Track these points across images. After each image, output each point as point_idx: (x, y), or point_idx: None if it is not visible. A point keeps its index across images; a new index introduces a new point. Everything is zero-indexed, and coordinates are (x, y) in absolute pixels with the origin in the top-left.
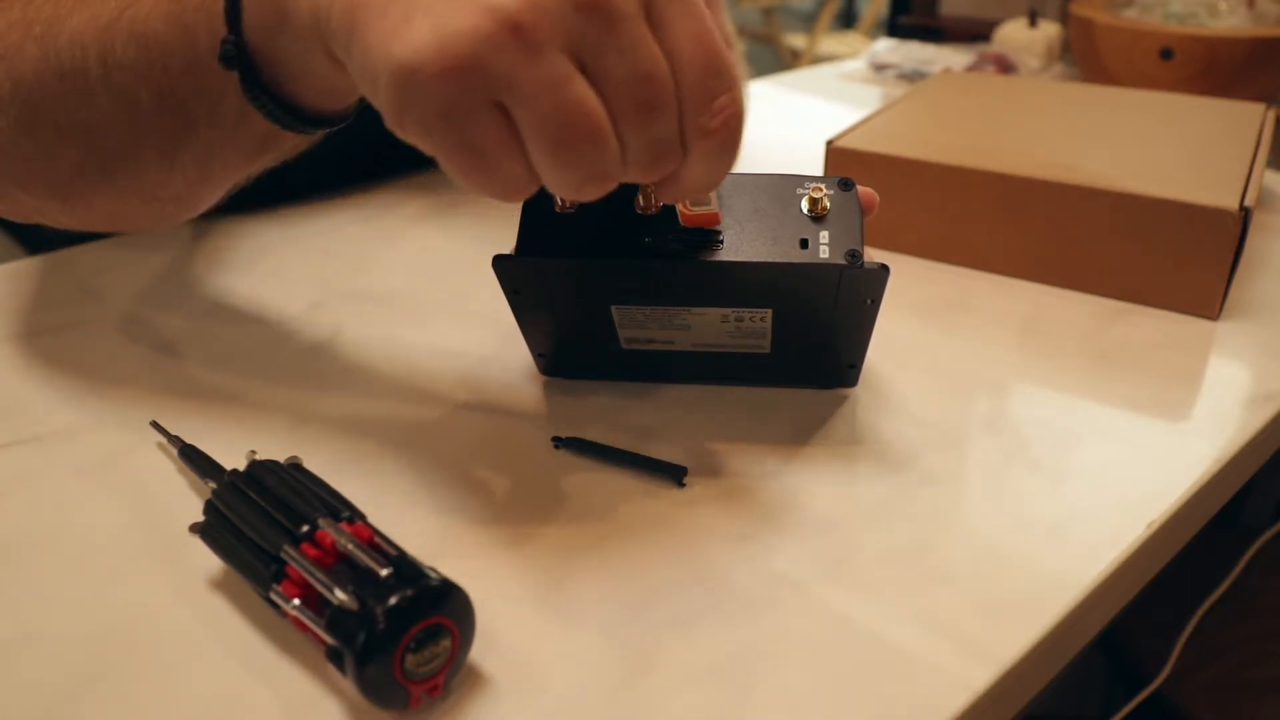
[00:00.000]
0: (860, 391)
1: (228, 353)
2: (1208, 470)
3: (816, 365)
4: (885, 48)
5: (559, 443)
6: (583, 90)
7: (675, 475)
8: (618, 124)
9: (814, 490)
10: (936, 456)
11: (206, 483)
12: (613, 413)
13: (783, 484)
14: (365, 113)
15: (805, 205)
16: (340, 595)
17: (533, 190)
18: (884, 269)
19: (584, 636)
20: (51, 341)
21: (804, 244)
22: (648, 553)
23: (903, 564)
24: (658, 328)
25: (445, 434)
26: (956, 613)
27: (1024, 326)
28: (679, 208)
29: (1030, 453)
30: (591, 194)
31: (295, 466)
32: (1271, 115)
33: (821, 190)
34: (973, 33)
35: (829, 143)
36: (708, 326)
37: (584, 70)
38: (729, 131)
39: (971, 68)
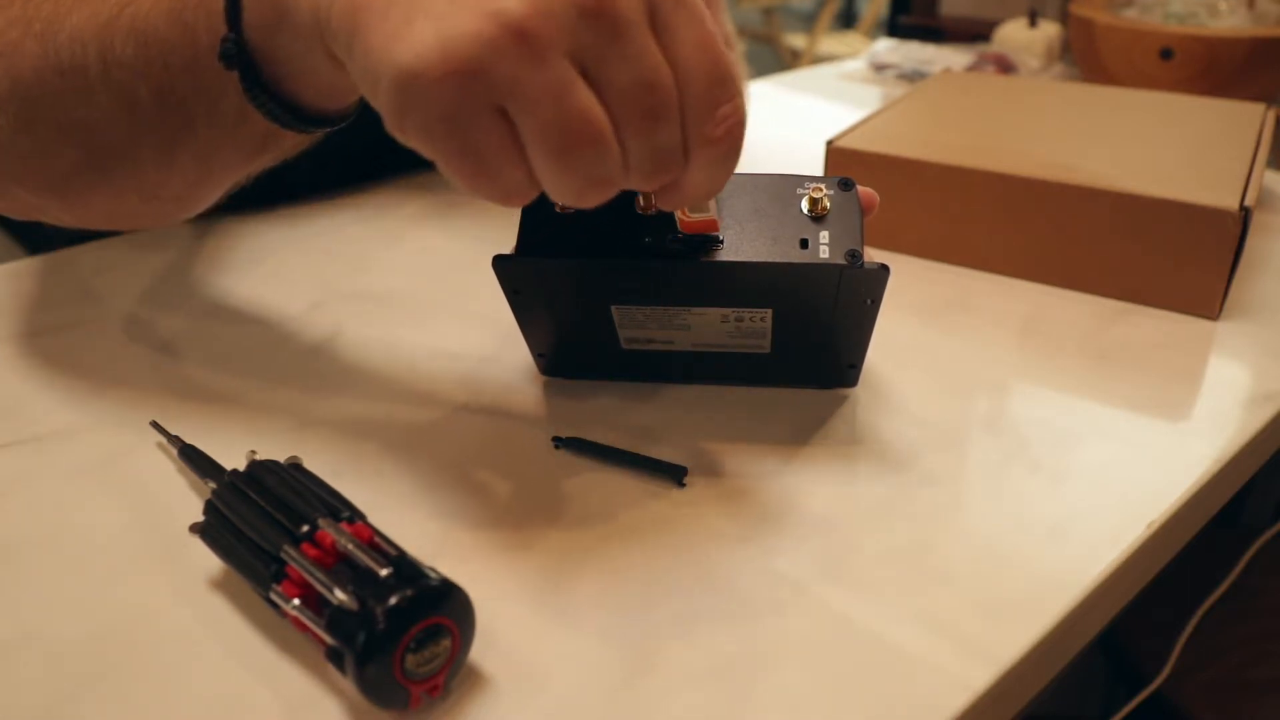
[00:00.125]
0: (860, 391)
1: (227, 353)
2: (1208, 470)
3: (816, 365)
4: (885, 48)
5: (559, 443)
6: (585, 97)
7: (675, 475)
8: (620, 131)
9: (814, 490)
10: (936, 456)
11: (206, 483)
12: (613, 413)
13: (783, 484)
14: (365, 112)
15: (805, 205)
16: (340, 595)
17: (533, 196)
18: (884, 269)
19: (584, 636)
20: (52, 341)
21: (804, 244)
22: (648, 553)
23: (903, 564)
24: (658, 328)
25: (445, 434)
26: (956, 613)
27: (1024, 326)
28: (678, 215)
29: (1030, 453)
30: (592, 201)
31: (295, 466)
32: (1271, 115)
33: (821, 190)
34: (973, 33)
35: (829, 143)
36: (708, 326)
37: (587, 76)
38: (731, 140)
39: (971, 68)
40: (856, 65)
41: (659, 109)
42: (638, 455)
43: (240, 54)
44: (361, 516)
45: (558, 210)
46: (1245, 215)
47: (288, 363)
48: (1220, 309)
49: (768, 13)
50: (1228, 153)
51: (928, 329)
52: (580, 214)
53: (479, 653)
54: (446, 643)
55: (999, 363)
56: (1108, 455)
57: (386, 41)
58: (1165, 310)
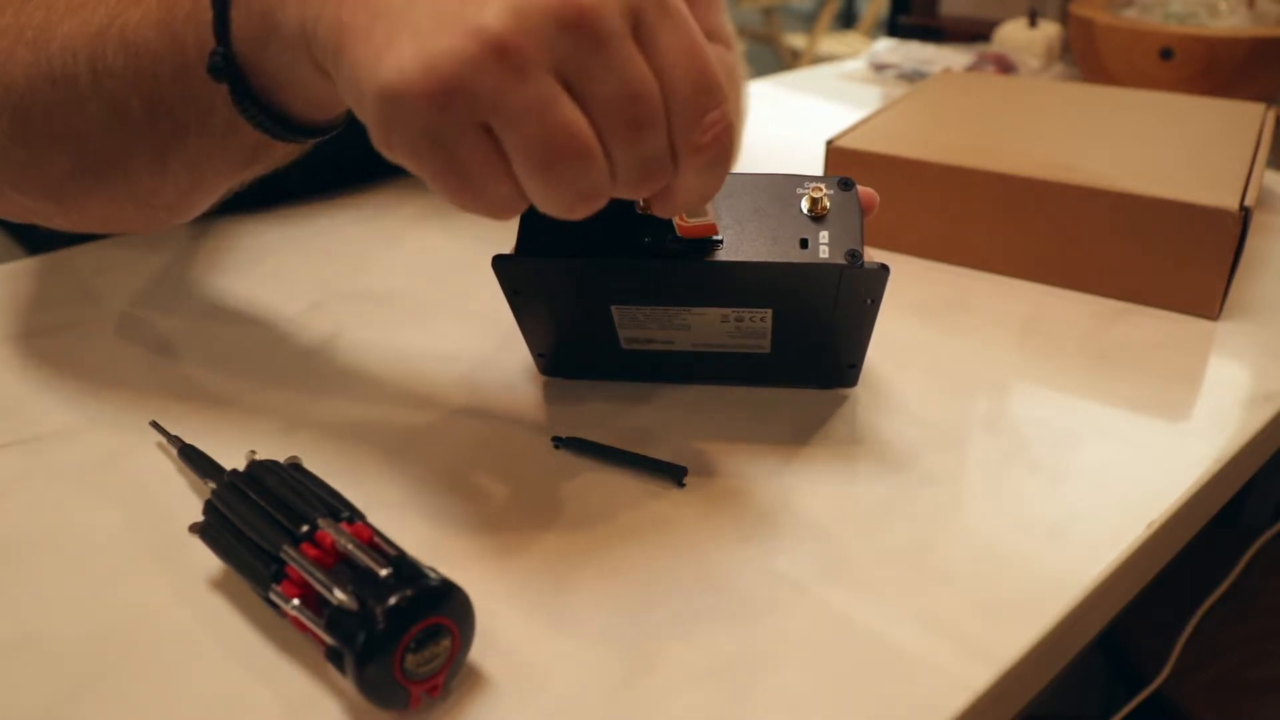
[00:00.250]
0: (860, 391)
1: (227, 353)
2: (1208, 470)
3: (816, 365)
4: (885, 48)
5: (559, 443)
6: (569, 111)
7: (675, 475)
8: (606, 142)
9: (814, 490)
10: (936, 456)
11: (206, 483)
12: (613, 413)
13: (783, 484)
14: (356, 121)
15: (805, 205)
16: (340, 595)
17: (522, 209)
18: (884, 269)
19: (584, 636)
20: (51, 342)
21: (804, 244)
22: (648, 553)
23: (903, 564)
24: (658, 328)
25: (445, 434)
26: (956, 613)
27: (1024, 326)
28: (676, 220)
29: (1030, 453)
30: (581, 213)
31: (295, 466)
32: (1271, 115)
33: (821, 190)
34: (973, 33)
35: (829, 143)
36: (708, 326)
37: (570, 89)
38: (720, 146)
39: (971, 68)
40: (856, 65)
41: (644, 119)
42: (637, 455)
43: (229, 67)
44: (361, 516)
45: None
46: (1245, 215)
47: (287, 363)
48: (1220, 309)
49: (768, 13)
50: (1228, 153)
51: (928, 329)
52: None
53: (479, 653)
54: (446, 643)
55: (999, 363)
56: (1108, 455)
57: (370, 59)
58: (1165, 310)
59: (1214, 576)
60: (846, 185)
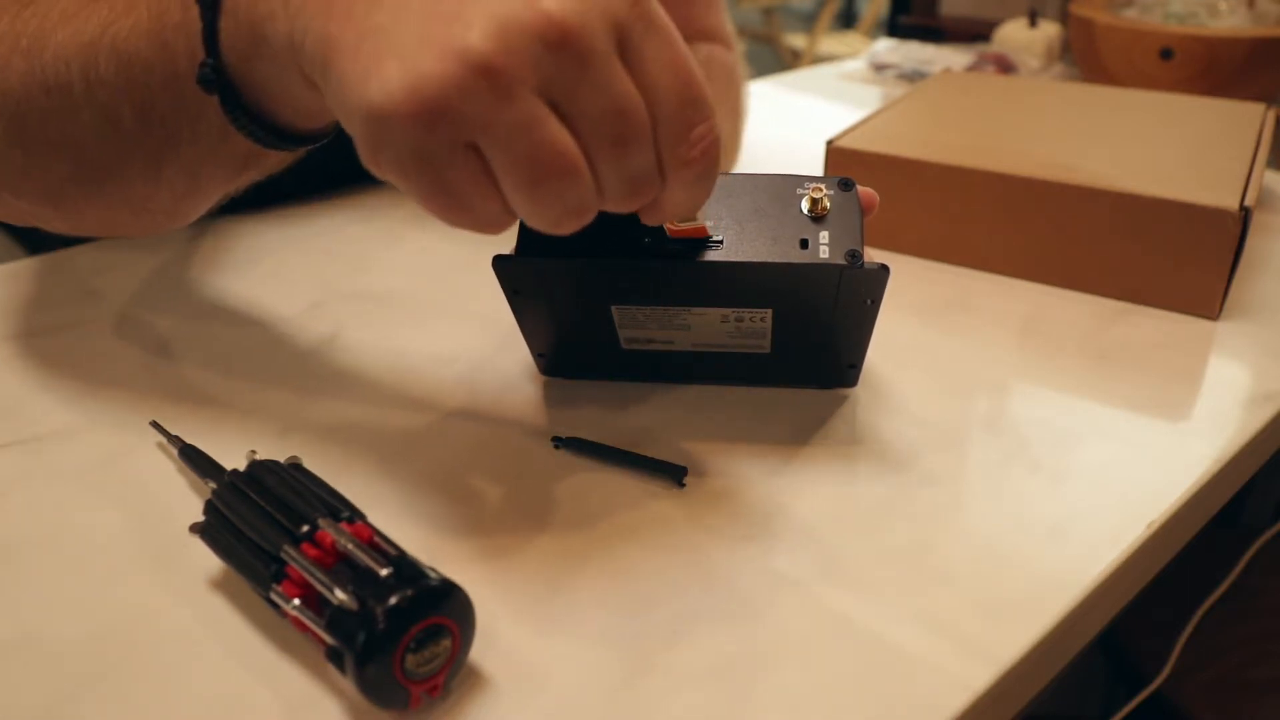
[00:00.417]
0: (860, 391)
1: (227, 353)
2: (1208, 470)
3: (816, 365)
4: (885, 48)
5: (559, 443)
6: (555, 130)
7: (675, 475)
8: (592, 159)
9: (814, 490)
10: (936, 456)
11: (206, 483)
12: (613, 413)
13: (783, 484)
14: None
15: (805, 205)
16: (340, 595)
17: (510, 224)
18: (884, 269)
19: (584, 636)
20: (51, 342)
21: (804, 244)
22: (647, 553)
23: (903, 564)
24: (658, 328)
25: (445, 434)
26: (956, 613)
27: (1024, 326)
28: (665, 225)
29: (1030, 453)
30: (569, 228)
31: (295, 466)
32: (1271, 115)
33: (821, 190)
34: (973, 33)
35: (829, 143)
36: (708, 326)
37: (556, 107)
38: (708, 160)
39: (971, 68)
40: (856, 65)
41: (630, 135)
42: (637, 455)
43: (219, 78)
44: (361, 516)
45: None
46: (1245, 215)
47: (287, 363)
48: (1220, 309)
49: (768, 13)
50: (1228, 153)
51: (928, 329)
52: None
53: (479, 653)
54: (446, 643)
55: (999, 363)
56: (1108, 455)
57: (357, 78)
58: (1165, 310)
59: (1214, 576)
60: (846, 185)
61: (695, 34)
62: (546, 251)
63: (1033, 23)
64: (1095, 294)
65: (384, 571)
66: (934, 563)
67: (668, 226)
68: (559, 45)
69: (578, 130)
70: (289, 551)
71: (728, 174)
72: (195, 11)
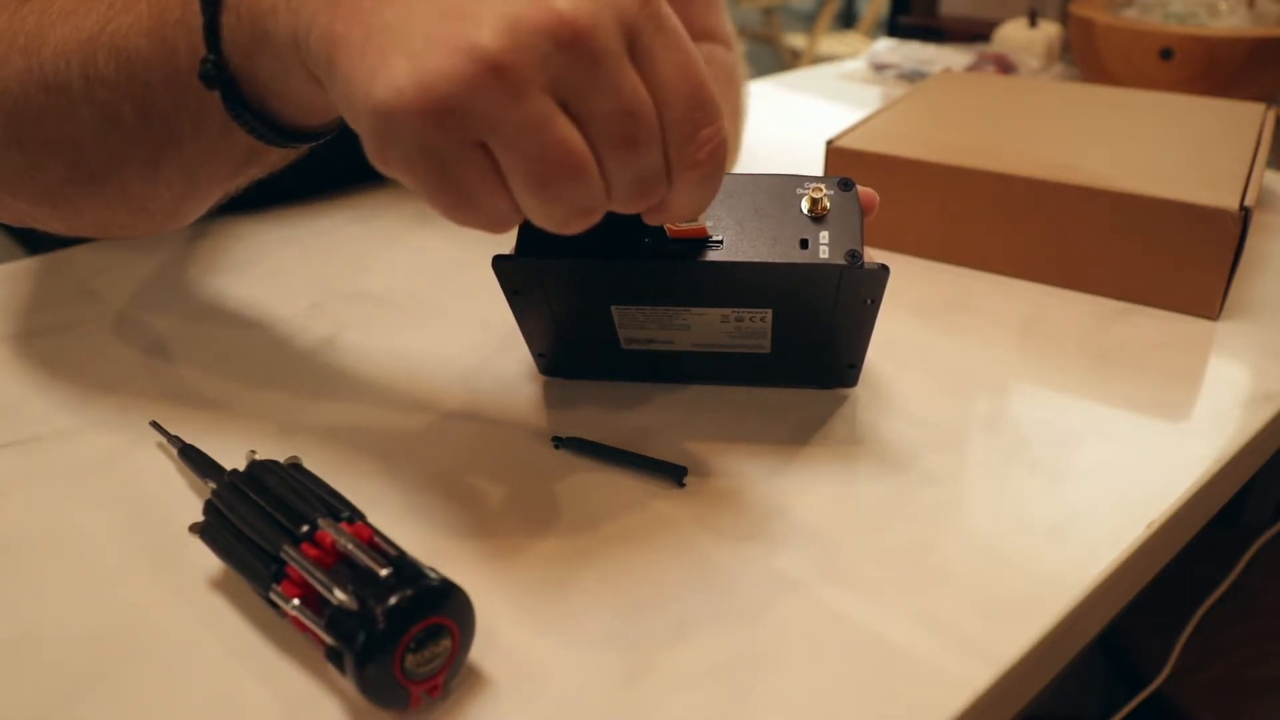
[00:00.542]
0: (860, 391)
1: (227, 353)
2: (1208, 470)
3: (816, 365)
4: (885, 48)
5: (559, 443)
6: (565, 130)
7: (675, 475)
8: (601, 159)
9: (814, 490)
10: (936, 456)
11: (206, 483)
12: (613, 413)
13: (783, 484)
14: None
15: (805, 205)
16: (340, 595)
17: (517, 223)
18: (884, 269)
19: (584, 636)
20: (51, 342)
21: (804, 244)
22: (648, 553)
23: (903, 564)
24: (658, 328)
25: (445, 434)
26: (956, 613)
27: (1024, 326)
28: (665, 225)
29: (1030, 453)
30: (576, 228)
31: (295, 466)
32: (1271, 115)
33: (821, 190)
34: (973, 33)
35: (829, 143)
36: (708, 327)
37: (566, 106)
38: (714, 162)
39: (971, 68)
40: (856, 65)
41: (639, 136)
42: (638, 455)
43: (220, 74)
44: (361, 516)
45: None
46: (1245, 215)
47: (287, 363)
48: (1220, 309)
49: (768, 13)
50: (1228, 153)
51: (928, 329)
52: None
53: (479, 653)
54: (446, 643)
55: (999, 363)
56: (1108, 455)
57: (364, 75)
58: (1165, 310)
59: (1214, 576)
60: (846, 185)
61: (695, 34)
62: (546, 251)
63: (1033, 23)
64: (1095, 294)
65: (384, 571)
66: (934, 563)
67: (668, 227)
68: (570, 44)
69: (587, 130)
70: (289, 551)
71: (728, 174)
72: (196, 7)
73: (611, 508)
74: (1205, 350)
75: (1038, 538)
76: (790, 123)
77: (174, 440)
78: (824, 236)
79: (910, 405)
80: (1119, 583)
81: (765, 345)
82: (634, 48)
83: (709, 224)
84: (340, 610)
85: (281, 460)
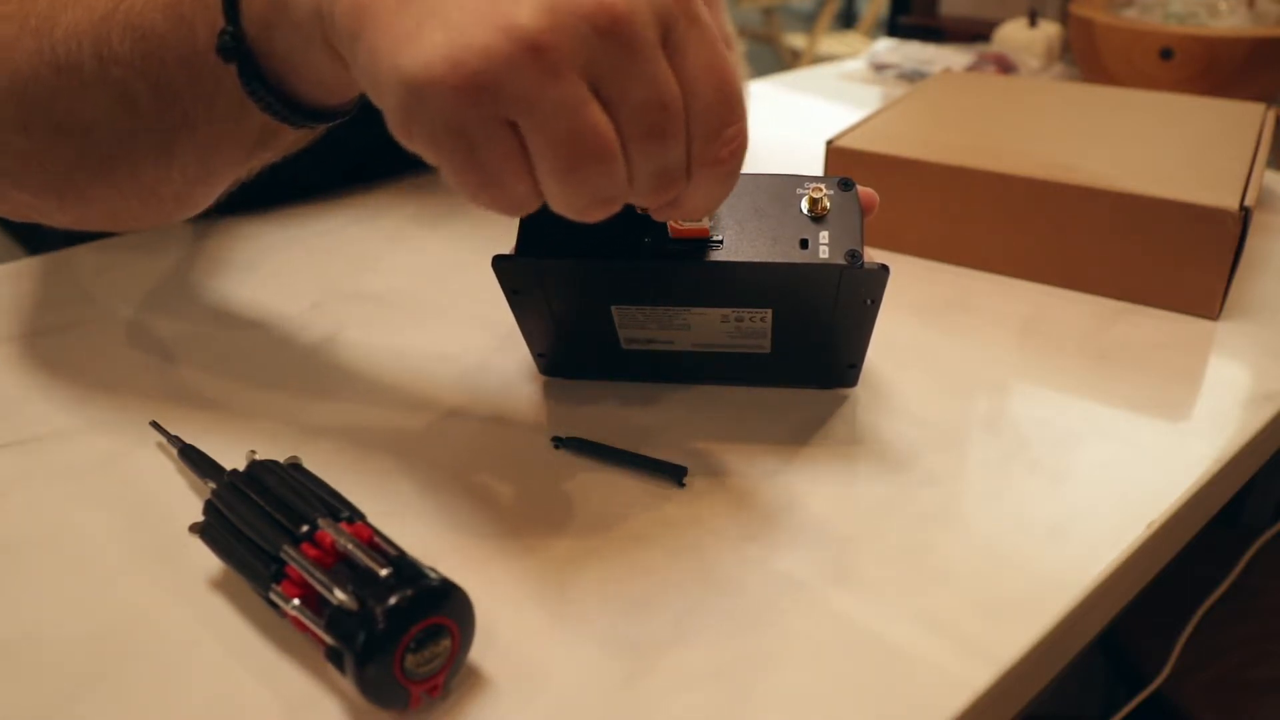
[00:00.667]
0: (860, 391)
1: (227, 353)
2: (1208, 470)
3: (816, 365)
4: (885, 48)
5: (559, 443)
6: (597, 114)
7: (675, 475)
8: (627, 149)
9: (814, 490)
10: (936, 456)
11: (206, 483)
12: (613, 413)
13: (783, 484)
14: (363, 111)
15: (805, 205)
16: (340, 595)
17: (535, 207)
18: (884, 269)
19: (584, 636)
20: (51, 342)
21: (804, 244)
22: (647, 553)
23: (903, 564)
24: (658, 328)
25: (445, 434)
26: (956, 613)
27: (1024, 326)
28: (669, 222)
29: (1030, 453)
30: (596, 216)
31: (295, 466)
32: (1271, 115)
33: (821, 190)
34: (973, 33)
35: (829, 143)
36: (708, 326)
37: (597, 93)
38: (735, 161)
39: (971, 68)
40: (856, 65)
41: (667, 128)
42: (638, 455)
43: (238, 47)
44: (361, 516)
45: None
46: (1245, 215)
47: (287, 363)
48: (1220, 309)
49: (768, 13)
50: (1228, 153)
51: (928, 329)
52: None
53: (479, 653)
54: (446, 643)
55: (999, 363)
56: (1108, 455)
57: (395, 46)
58: (1165, 310)
59: (1214, 576)
60: (846, 185)
61: None
62: (546, 251)
63: (1033, 23)
64: (1095, 294)
65: (384, 571)
66: (934, 563)
67: (670, 225)
68: (608, 30)
69: (616, 118)
70: (289, 551)
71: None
72: None
73: (611, 508)
74: (1205, 350)
75: (1038, 538)
76: (790, 123)
77: (174, 440)
78: (824, 236)
79: (910, 405)
80: (1119, 583)
81: (765, 345)
82: (667, 40)
83: (709, 224)
84: (340, 610)
85: (281, 460)
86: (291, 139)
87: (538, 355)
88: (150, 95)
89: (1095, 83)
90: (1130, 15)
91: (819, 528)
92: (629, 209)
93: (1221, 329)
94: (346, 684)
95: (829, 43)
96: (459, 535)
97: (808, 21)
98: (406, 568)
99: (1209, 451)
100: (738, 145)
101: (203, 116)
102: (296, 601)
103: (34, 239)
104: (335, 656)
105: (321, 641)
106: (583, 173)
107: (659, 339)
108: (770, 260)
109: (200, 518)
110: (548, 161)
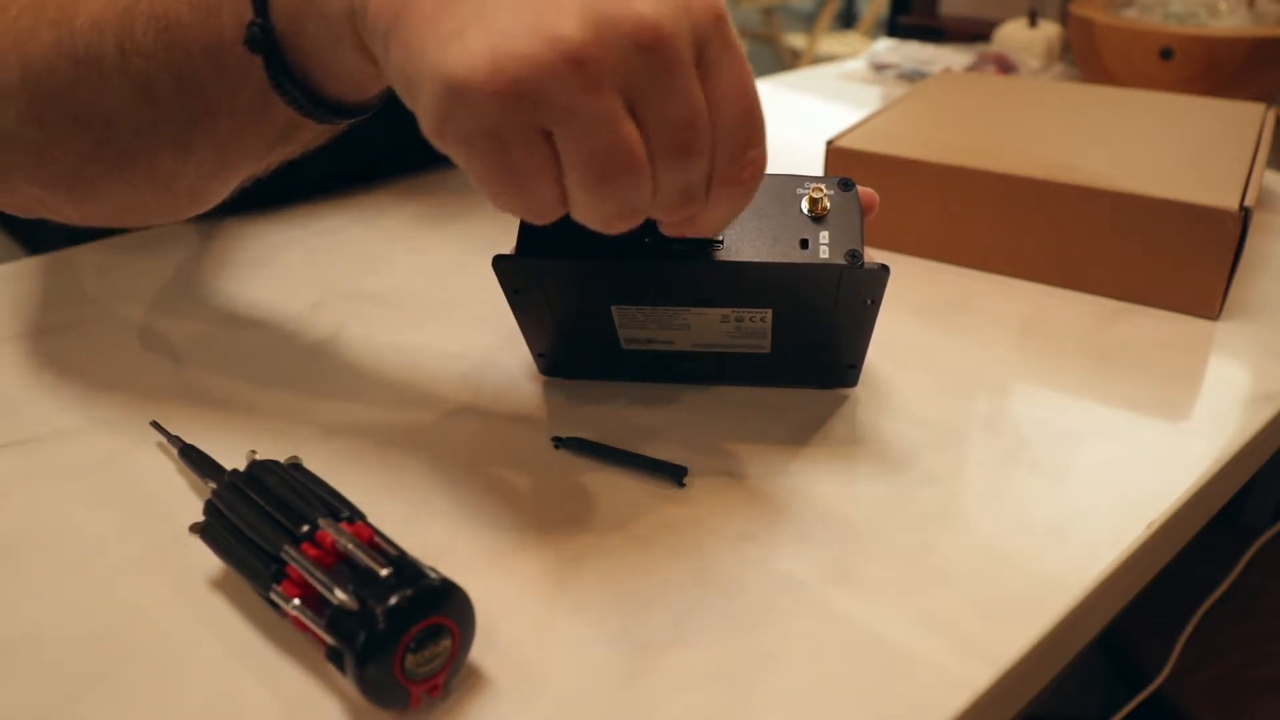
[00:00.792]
0: (860, 391)
1: (227, 353)
2: (1208, 470)
3: (816, 365)
4: (885, 48)
5: (559, 443)
6: (630, 129)
7: (675, 475)
8: (655, 164)
9: (814, 490)
10: (936, 456)
11: (206, 483)
12: (613, 413)
13: (783, 484)
14: (384, 107)
15: (805, 205)
16: (340, 595)
17: (559, 215)
18: (884, 269)
19: (584, 636)
20: (52, 342)
21: (804, 244)
22: (647, 553)
23: (903, 564)
24: (658, 328)
25: (445, 434)
26: (956, 613)
27: (1024, 326)
28: None
29: (1030, 453)
30: (620, 228)
31: (295, 466)
32: (1271, 115)
33: (821, 190)
34: (973, 33)
35: (829, 143)
36: (708, 326)
37: (631, 107)
38: (754, 182)
39: (971, 68)
40: (856, 65)
41: (695, 146)
42: (638, 455)
43: (267, 39)
44: (361, 516)
45: None
46: (1245, 215)
47: (288, 363)
48: (1220, 309)
49: (768, 13)
50: (1228, 153)
51: (928, 329)
52: None
53: (479, 653)
54: (446, 643)
55: (999, 363)
56: (1108, 455)
57: (435, 47)
58: (1165, 310)
59: (1214, 576)
60: (846, 185)
61: None
62: (546, 251)
63: (1033, 23)
64: (1095, 294)
65: (384, 571)
66: (934, 563)
67: None
68: (650, 48)
69: (647, 134)
70: (289, 551)
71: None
72: None
73: (611, 508)
74: (1205, 350)
75: (1038, 538)
76: (790, 123)
77: (174, 440)
78: (824, 236)
79: (910, 405)
80: (1119, 583)
81: (765, 345)
82: (700, 60)
83: None
84: (340, 610)
85: (282, 460)
86: (311, 134)
87: (538, 355)
88: (173, 87)
89: (1095, 83)
90: (1130, 15)
91: (819, 528)
92: None
93: (1221, 329)
94: (346, 684)
95: (829, 43)
96: (459, 535)
97: (808, 21)
98: (407, 568)
99: (1209, 451)
100: (757, 167)
101: (225, 109)
102: (297, 601)
103: (35, 239)
104: (335, 656)
105: (322, 641)
106: (612, 185)
107: (659, 339)
108: (770, 260)
109: (200, 518)
110: (578, 171)
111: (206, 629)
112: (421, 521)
